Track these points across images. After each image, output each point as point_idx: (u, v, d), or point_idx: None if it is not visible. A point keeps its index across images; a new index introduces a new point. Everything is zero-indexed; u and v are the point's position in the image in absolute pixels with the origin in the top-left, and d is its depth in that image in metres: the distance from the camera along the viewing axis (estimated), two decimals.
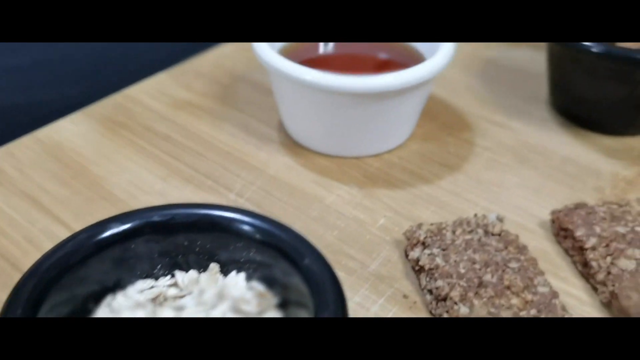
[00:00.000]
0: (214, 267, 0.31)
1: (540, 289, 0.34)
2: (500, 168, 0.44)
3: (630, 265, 0.35)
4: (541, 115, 0.48)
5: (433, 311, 0.34)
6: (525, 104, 0.49)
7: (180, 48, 0.55)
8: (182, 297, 0.30)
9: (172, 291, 0.30)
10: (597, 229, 0.37)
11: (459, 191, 0.42)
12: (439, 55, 0.42)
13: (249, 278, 0.30)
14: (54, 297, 0.28)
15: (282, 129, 0.46)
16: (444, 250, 0.36)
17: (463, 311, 0.33)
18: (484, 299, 0.33)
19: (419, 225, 0.38)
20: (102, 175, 0.42)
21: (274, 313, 0.29)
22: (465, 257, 0.35)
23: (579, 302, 0.35)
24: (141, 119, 0.47)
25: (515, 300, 0.33)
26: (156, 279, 0.31)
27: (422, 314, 0.34)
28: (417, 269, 0.36)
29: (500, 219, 0.38)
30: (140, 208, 0.31)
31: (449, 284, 0.34)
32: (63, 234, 0.38)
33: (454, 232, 0.37)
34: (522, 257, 0.36)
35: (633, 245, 0.36)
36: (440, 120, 0.47)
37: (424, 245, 0.37)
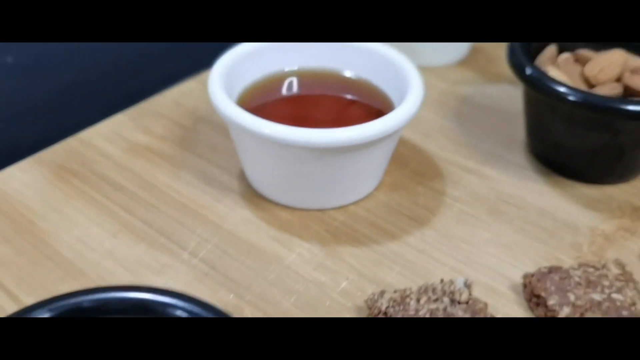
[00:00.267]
0: None
1: None
2: (471, 222, 0.41)
3: None
4: (518, 162, 0.46)
5: None
6: (501, 148, 0.47)
7: (141, 86, 0.52)
8: None
9: None
10: (572, 297, 0.35)
11: (427, 249, 0.39)
12: (407, 103, 0.40)
13: None
14: None
15: (243, 177, 0.44)
16: None
17: None
18: None
19: (381, 293, 0.35)
20: (49, 230, 0.40)
21: None
22: None
23: None
24: (95, 166, 0.44)
25: None
26: None
27: None
28: None
29: (468, 285, 0.35)
30: (70, 292, 0.28)
31: None
32: (3, 301, 0.36)
33: (418, 300, 0.35)
34: None
35: (609, 316, 0.34)
36: (411, 166, 0.45)
37: (386, 315, 0.34)
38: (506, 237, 0.40)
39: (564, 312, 0.34)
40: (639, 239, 0.40)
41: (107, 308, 0.28)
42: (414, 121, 0.46)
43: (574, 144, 0.43)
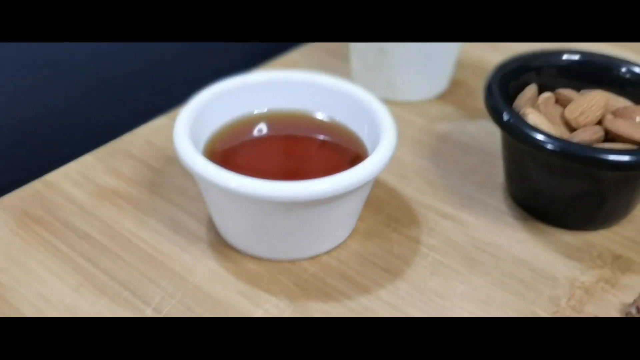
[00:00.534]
0: None
1: None
2: (446, 273, 0.40)
3: None
4: (496, 206, 0.44)
5: None
6: (479, 191, 0.45)
7: (114, 121, 0.51)
8: None
9: None
10: None
11: (398, 304, 0.38)
12: (380, 151, 0.38)
13: None
14: None
15: (211, 224, 0.42)
16: None
17: None
18: None
19: None
20: (9, 285, 0.38)
21: None
22: None
23: None
24: (60, 212, 0.43)
25: None
26: None
27: None
28: None
29: None
30: None
31: None
32: None
33: None
34: None
35: None
36: (386, 212, 0.44)
37: None
38: (482, 290, 0.39)
39: None
40: (619, 292, 0.39)
41: None
42: (391, 162, 0.45)
43: (554, 191, 0.41)
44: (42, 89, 0.51)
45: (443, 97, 0.54)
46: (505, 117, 0.40)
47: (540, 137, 0.39)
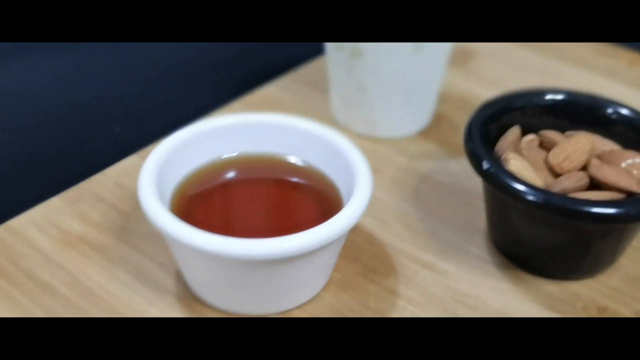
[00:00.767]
0: None
1: None
2: None
3: None
4: (478, 253, 0.43)
5: None
6: (460, 237, 0.44)
7: (83, 161, 0.49)
8: None
9: None
10: None
11: None
12: (355, 201, 0.37)
13: None
14: None
15: (180, 276, 0.40)
16: None
17: None
18: None
19: None
20: None
21: None
22: None
23: None
24: (23, 261, 0.41)
25: None
26: None
27: None
28: None
29: None
30: None
31: None
32: None
33: None
34: None
35: None
36: (363, 261, 0.42)
37: None
38: None
39: None
40: None
41: None
42: (369, 205, 0.43)
43: (536, 240, 0.40)
44: (5, 124, 0.49)
45: (425, 133, 0.52)
46: (485, 165, 0.39)
47: (520, 187, 0.37)
